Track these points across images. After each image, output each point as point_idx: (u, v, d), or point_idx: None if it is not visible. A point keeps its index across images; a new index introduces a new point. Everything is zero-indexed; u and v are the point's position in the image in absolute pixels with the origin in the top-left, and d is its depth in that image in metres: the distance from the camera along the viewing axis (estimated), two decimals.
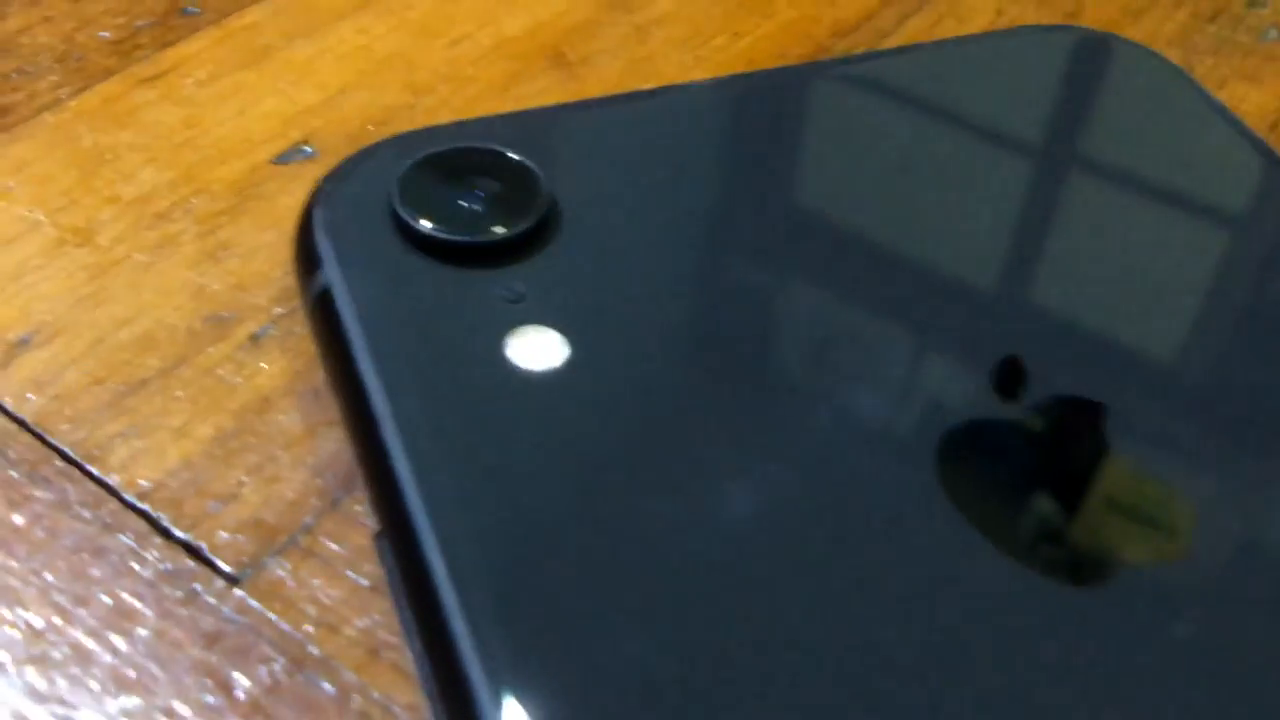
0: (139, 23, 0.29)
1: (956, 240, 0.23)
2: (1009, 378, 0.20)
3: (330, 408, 0.21)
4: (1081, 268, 0.22)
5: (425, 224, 0.21)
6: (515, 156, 0.22)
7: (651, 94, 0.25)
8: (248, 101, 0.27)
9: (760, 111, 0.25)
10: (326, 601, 0.19)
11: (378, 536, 0.18)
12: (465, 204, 0.22)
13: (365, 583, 0.19)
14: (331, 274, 0.21)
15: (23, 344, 0.22)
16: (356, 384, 0.19)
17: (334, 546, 0.20)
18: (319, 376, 0.22)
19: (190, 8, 0.30)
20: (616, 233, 0.22)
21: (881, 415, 0.20)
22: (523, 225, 0.21)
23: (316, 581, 0.19)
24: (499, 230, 0.21)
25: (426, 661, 0.17)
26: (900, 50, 0.28)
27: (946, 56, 0.26)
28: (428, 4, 0.30)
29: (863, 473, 0.19)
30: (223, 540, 0.20)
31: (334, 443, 0.21)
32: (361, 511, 0.20)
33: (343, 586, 0.19)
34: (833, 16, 0.31)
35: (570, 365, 0.20)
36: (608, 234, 0.22)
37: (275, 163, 0.26)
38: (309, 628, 0.19)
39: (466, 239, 0.21)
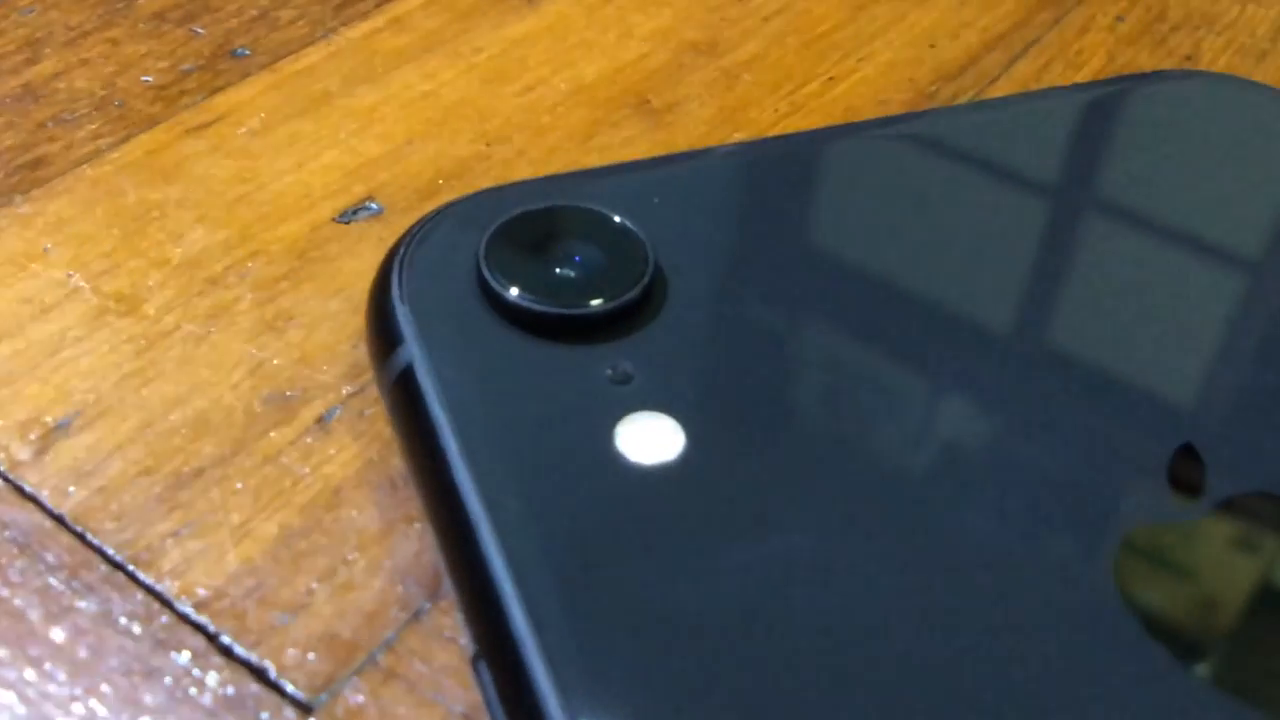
0: (185, 66, 0.27)
1: (1112, 315, 0.20)
2: (1187, 473, 0.18)
3: (409, 502, 0.19)
4: (1254, 337, 0.20)
5: (518, 294, 0.19)
6: (616, 218, 0.20)
7: (757, 145, 0.23)
8: (306, 153, 0.25)
9: (880, 163, 0.22)
10: None
11: (475, 659, 0.16)
12: (560, 270, 0.19)
13: (459, 709, 0.17)
14: (414, 350, 0.18)
15: (61, 429, 0.20)
16: (445, 478, 0.17)
17: (420, 666, 0.17)
18: (396, 466, 0.19)
19: (240, 49, 0.27)
20: (729, 302, 0.20)
21: (1049, 513, 0.17)
22: (627, 295, 0.19)
23: (401, 709, 0.17)
24: (600, 301, 0.19)
25: None
26: (1020, 97, 0.25)
27: (1073, 104, 0.24)
28: (496, 47, 0.28)
29: (1016, 580, 0.16)
30: (292, 659, 0.17)
31: (415, 542, 0.19)
32: (450, 624, 0.18)
33: (431, 715, 0.17)
34: (935, 60, 0.28)
35: (691, 458, 0.17)
36: (719, 304, 0.20)
37: (338, 221, 0.24)
38: None
39: (566, 311, 0.19)
